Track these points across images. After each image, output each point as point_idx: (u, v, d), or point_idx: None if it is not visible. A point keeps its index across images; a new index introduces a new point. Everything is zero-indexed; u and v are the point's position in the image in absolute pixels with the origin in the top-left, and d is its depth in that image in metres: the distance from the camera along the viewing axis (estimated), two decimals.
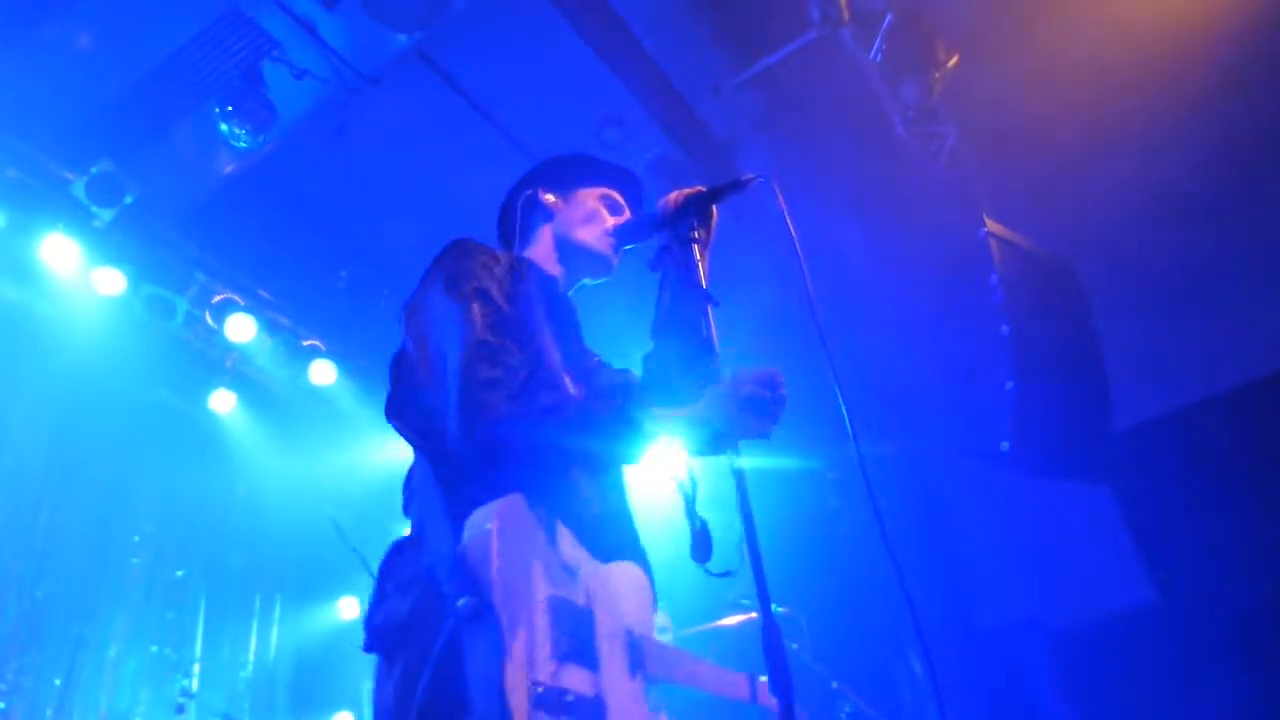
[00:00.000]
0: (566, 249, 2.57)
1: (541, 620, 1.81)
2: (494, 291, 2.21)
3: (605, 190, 2.66)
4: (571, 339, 2.39)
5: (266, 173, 5.71)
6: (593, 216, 2.58)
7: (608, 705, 1.88)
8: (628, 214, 2.64)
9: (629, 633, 2.04)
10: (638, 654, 2.03)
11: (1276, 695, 4.80)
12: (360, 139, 5.68)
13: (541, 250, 2.57)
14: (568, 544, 1.98)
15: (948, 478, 5.95)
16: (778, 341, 5.59)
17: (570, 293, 2.58)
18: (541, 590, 1.84)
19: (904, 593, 1.86)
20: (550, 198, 2.63)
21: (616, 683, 1.94)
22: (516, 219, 2.62)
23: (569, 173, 2.70)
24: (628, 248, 2.29)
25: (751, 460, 1.86)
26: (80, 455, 6.02)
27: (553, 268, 2.54)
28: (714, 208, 2.22)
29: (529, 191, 2.65)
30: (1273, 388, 5.32)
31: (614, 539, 2.19)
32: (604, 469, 2.25)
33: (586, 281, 2.61)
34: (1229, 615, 5.12)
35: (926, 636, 2.26)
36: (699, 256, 2.09)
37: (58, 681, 5.45)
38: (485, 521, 1.82)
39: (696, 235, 2.11)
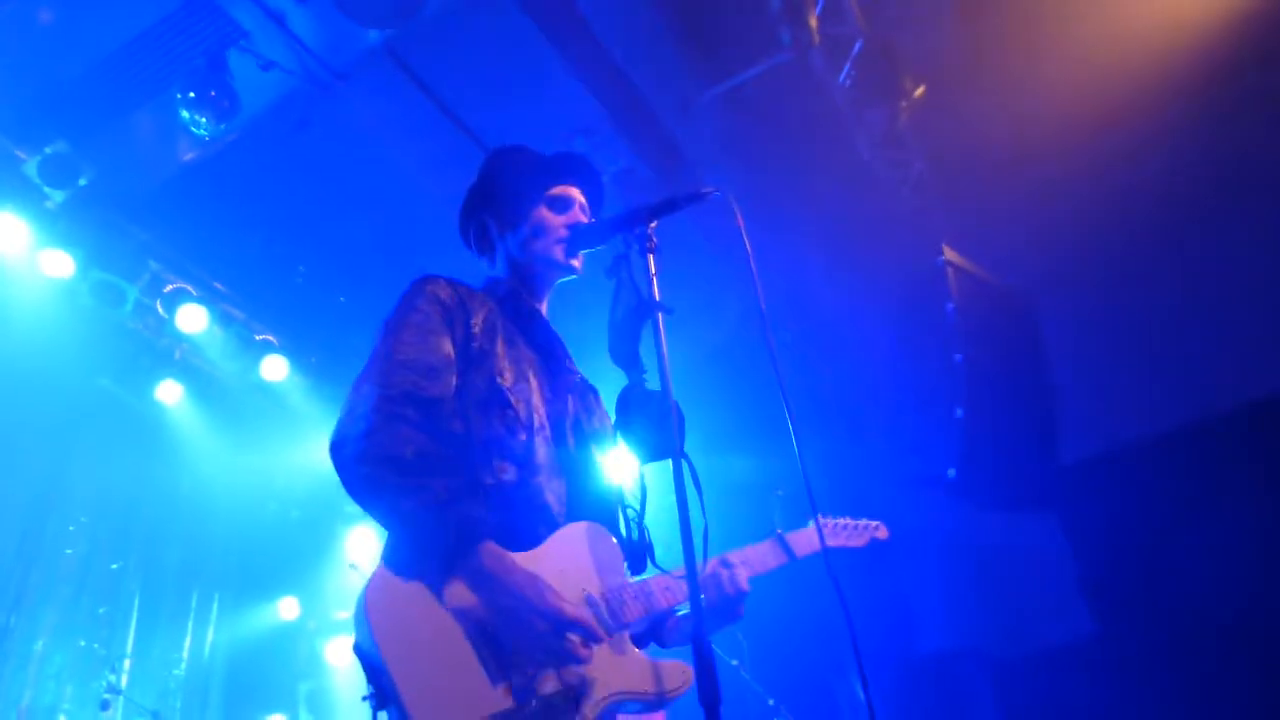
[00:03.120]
0: (522, 265, 2.65)
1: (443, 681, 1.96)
2: (411, 338, 2.32)
3: (550, 192, 2.67)
4: (524, 361, 2.48)
5: (227, 163, 5.63)
6: (539, 229, 2.62)
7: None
8: (578, 201, 2.66)
9: (589, 598, 2.18)
10: (600, 611, 2.17)
11: None
12: (324, 134, 5.61)
13: (505, 270, 2.67)
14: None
15: (895, 502, 5.99)
16: (734, 356, 5.61)
17: (546, 299, 2.68)
18: (438, 652, 1.98)
19: (845, 613, 1.86)
20: (493, 221, 2.71)
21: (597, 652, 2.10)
22: (476, 247, 2.75)
23: (510, 188, 2.71)
24: (585, 252, 2.29)
25: (699, 471, 1.86)
26: (16, 440, 5.87)
27: (519, 286, 2.63)
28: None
29: (475, 221, 2.74)
30: (1218, 428, 5.42)
31: (540, 517, 2.28)
32: (519, 456, 2.32)
33: (560, 281, 2.68)
34: (1169, 648, 5.19)
35: (863, 658, 2.27)
36: (653, 265, 2.09)
37: None
38: (362, 611, 1.98)
39: (652, 243, 2.11)
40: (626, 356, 2.06)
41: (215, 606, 7.06)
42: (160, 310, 6.11)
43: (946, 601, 5.91)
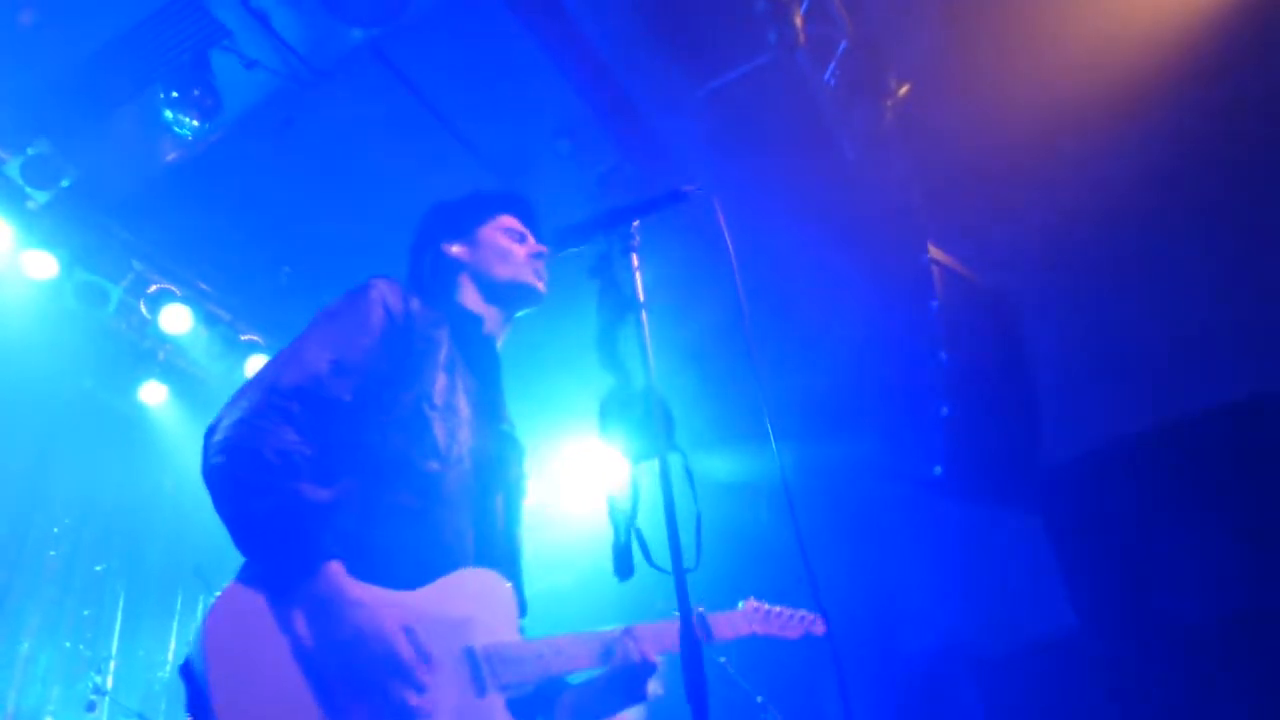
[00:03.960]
0: (492, 290, 2.62)
1: None
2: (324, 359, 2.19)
3: (502, 222, 2.70)
4: (462, 390, 2.42)
5: (210, 163, 5.61)
6: (504, 252, 2.63)
7: None
8: (530, 238, 2.69)
9: (468, 651, 2.04)
10: (480, 668, 2.03)
11: None
12: (309, 134, 5.60)
13: (469, 298, 2.62)
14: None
15: (880, 499, 6.01)
16: (717, 355, 5.62)
17: (504, 332, 2.65)
18: (268, 681, 1.81)
19: (819, 606, 1.87)
20: (456, 248, 2.66)
21: (446, 710, 1.93)
22: (427, 279, 2.67)
23: (463, 216, 2.72)
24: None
25: (688, 468, 1.87)
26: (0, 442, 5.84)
27: (483, 311, 2.60)
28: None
29: (431, 249, 2.68)
30: (1203, 427, 5.46)
31: (437, 552, 2.16)
32: (422, 485, 2.21)
33: (520, 314, 2.68)
34: (1153, 647, 5.22)
35: (841, 656, 2.28)
36: (636, 264, 2.10)
37: None
38: (202, 624, 1.82)
39: (635, 242, 2.11)
40: (608, 356, 2.06)
41: (200, 608, 7.04)
42: (144, 311, 6.09)
43: (932, 599, 5.93)
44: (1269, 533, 4.97)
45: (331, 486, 2.04)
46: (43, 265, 5.58)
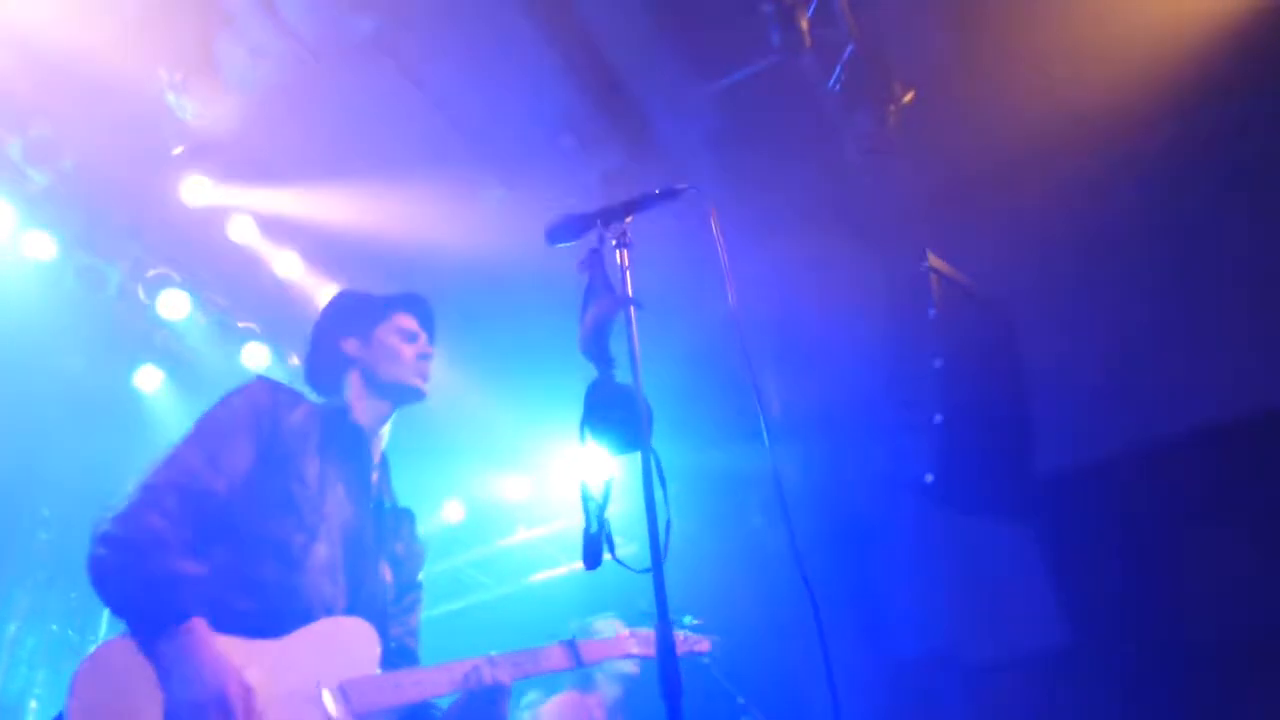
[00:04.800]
0: (378, 388, 2.91)
1: None
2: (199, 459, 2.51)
3: (399, 321, 2.99)
4: (332, 474, 2.71)
5: (212, 147, 5.60)
6: (394, 354, 2.92)
7: None
8: (423, 337, 3.00)
9: (320, 686, 2.31)
10: (335, 701, 2.31)
11: None
12: (312, 123, 5.60)
13: (354, 391, 2.90)
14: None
15: (873, 506, 6.01)
16: (711, 357, 5.63)
17: (386, 423, 2.94)
18: None
19: (814, 610, 1.87)
20: (350, 345, 2.94)
21: None
22: (322, 369, 2.98)
23: (361, 315, 3.01)
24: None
25: (670, 466, 1.87)
26: None
27: (368, 406, 2.89)
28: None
29: (328, 343, 2.98)
30: (1197, 440, 5.46)
31: (301, 613, 2.46)
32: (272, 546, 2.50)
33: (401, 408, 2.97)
34: (1143, 660, 5.23)
35: (836, 661, 2.28)
36: (625, 260, 2.11)
37: None
38: (71, 679, 2.10)
39: (627, 238, 2.13)
40: (596, 350, 2.08)
41: None
42: (142, 295, 6.07)
43: (921, 606, 5.94)
44: (1263, 546, 4.98)
45: (205, 561, 2.36)
46: (42, 246, 5.57)
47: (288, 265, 6.36)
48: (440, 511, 8.05)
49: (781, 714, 4.65)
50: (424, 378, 2.95)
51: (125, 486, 2.43)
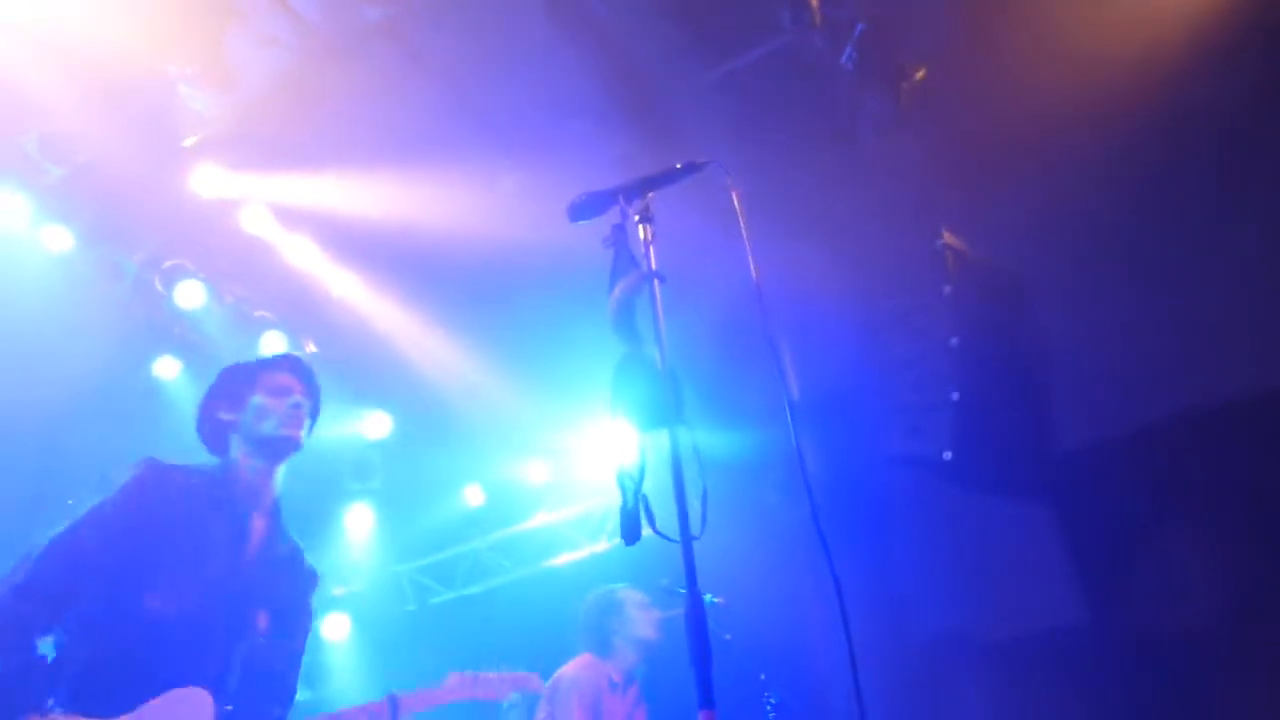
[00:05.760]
0: (257, 446, 3.20)
1: None
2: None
3: (270, 381, 3.29)
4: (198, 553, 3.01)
5: (225, 138, 5.62)
6: (264, 412, 3.21)
7: None
8: (297, 388, 3.29)
9: None
10: None
11: None
12: (324, 111, 5.61)
13: (238, 452, 3.23)
14: None
15: (888, 484, 6.01)
16: (731, 335, 5.63)
17: (273, 477, 3.24)
18: None
19: (834, 581, 1.89)
20: (226, 414, 3.27)
21: None
22: (209, 438, 3.31)
23: (236, 382, 3.33)
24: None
25: (695, 449, 1.88)
26: (15, 414, 5.89)
27: (250, 464, 3.20)
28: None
29: (209, 416, 3.31)
30: (1217, 419, 5.44)
31: (153, 684, 2.75)
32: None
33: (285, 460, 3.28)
34: (1155, 644, 5.22)
35: (853, 638, 2.30)
36: (649, 234, 2.12)
37: None
38: None
39: (649, 214, 2.14)
40: (625, 325, 2.09)
41: None
42: (159, 286, 6.12)
43: (937, 584, 5.95)
44: None
45: (61, 645, 2.73)
46: (59, 239, 5.62)
47: (302, 253, 6.39)
48: (460, 495, 8.11)
49: (800, 689, 4.70)
50: (294, 428, 3.22)
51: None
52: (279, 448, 3.22)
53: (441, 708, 3.42)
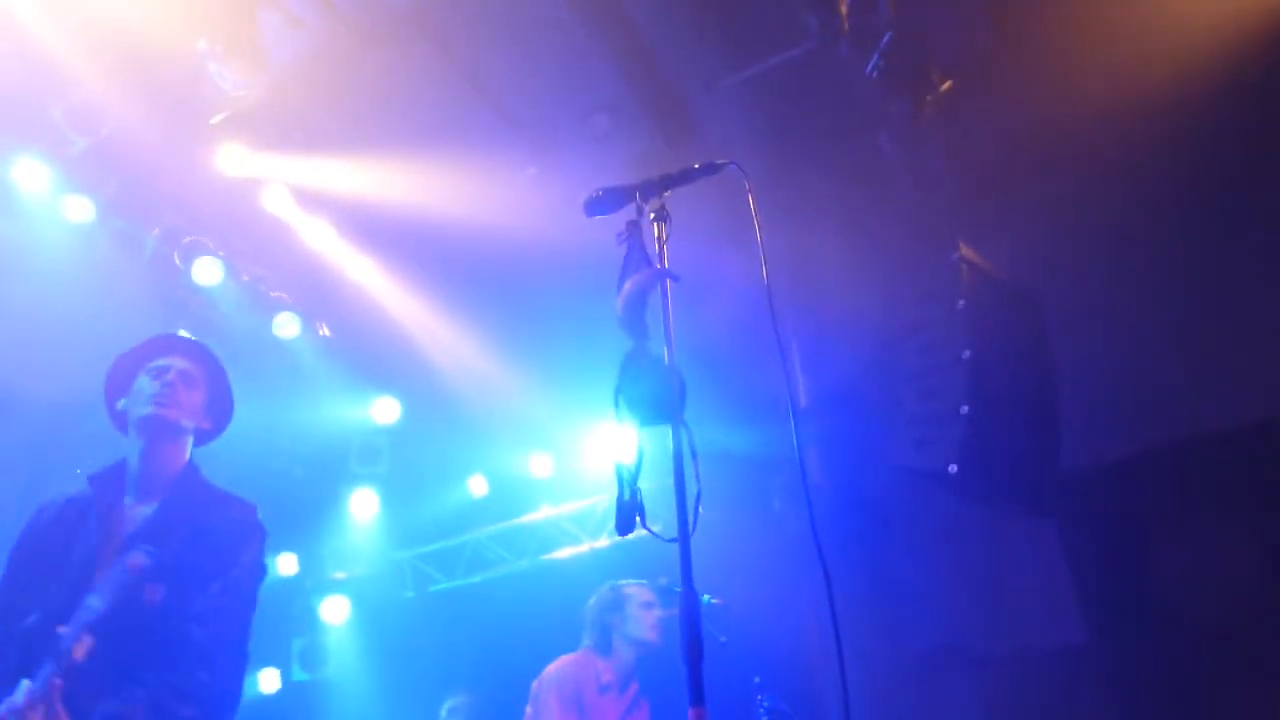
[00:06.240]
0: (136, 429, 3.23)
1: None
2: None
3: (153, 362, 3.32)
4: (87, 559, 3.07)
5: (250, 118, 5.65)
6: (139, 395, 3.24)
7: None
8: (175, 367, 3.29)
9: None
10: None
11: None
12: (349, 96, 5.63)
13: (131, 439, 3.26)
14: None
15: (895, 495, 6.00)
16: (742, 339, 5.64)
17: (164, 453, 3.26)
18: None
19: (829, 595, 1.89)
20: (120, 403, 3.34)
21: None
22: (119, 429, 3.35)
23: (124, 371, 3.38)
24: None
25: (694, 448, 1.89)
26: (25, 385, 5.93)
27: (135, 446, 3.22)
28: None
29: (110, 407, 3.39)
30: (1224, 440, 5.41)
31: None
32: None
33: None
34: (1161, 660, 5.20)
35: (849, 648, 2.30)
36: (663, 233, 2.12)
37: None
38: None
39: (664, 212, 2.14)
40: (633, 321, 2.10)
41: None
42: (177, 261, 6.15)
43: (939, 596, 5.94)
44: None
45: None
46: (81, 209, 5.66)
47: (320, 236, 6.42)
48: (464, 485, 8.13)
49: (795, 695, 4.70)
50: (164, 405, 3.20)
51: None
52: (149, 426, 3.20)
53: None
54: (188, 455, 3.33)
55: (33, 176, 5.45)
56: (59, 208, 5.60)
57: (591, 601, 5.18)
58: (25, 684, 2.72)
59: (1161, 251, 5.56)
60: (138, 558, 2.91)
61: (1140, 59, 5.26)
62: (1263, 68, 5.14)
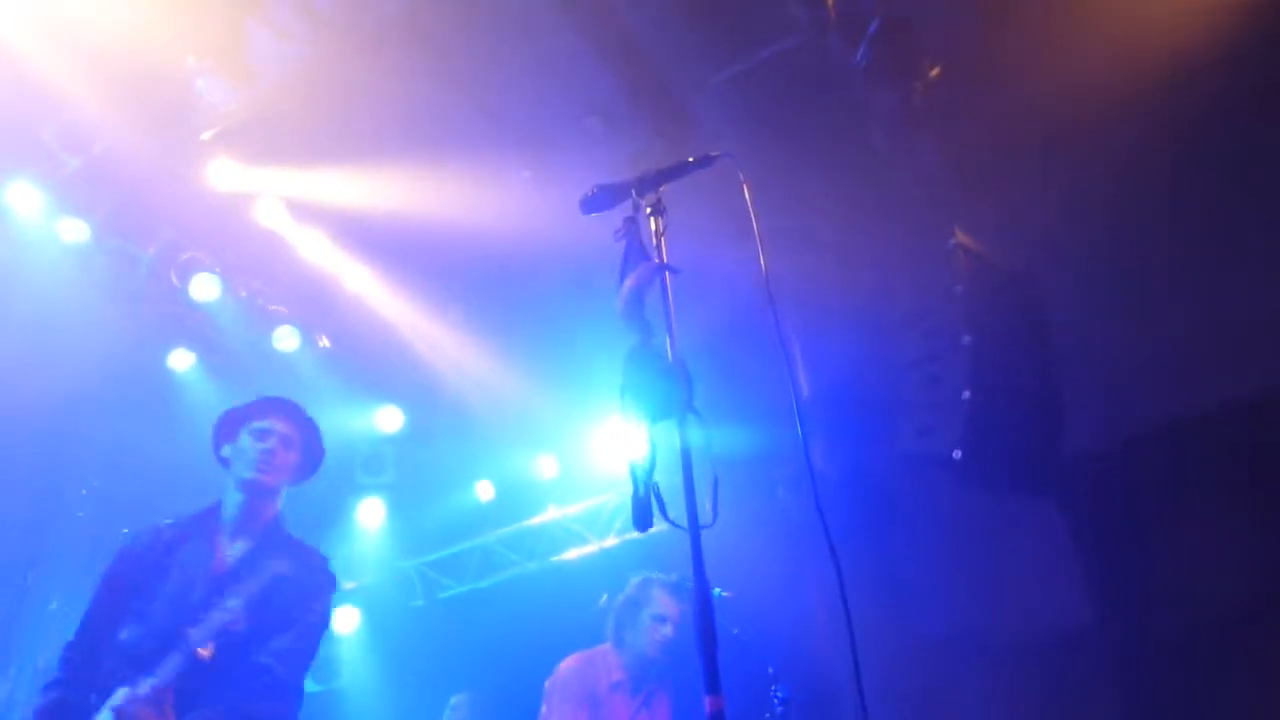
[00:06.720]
0: (236, 485, 3.69)
1: None
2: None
3: (257, 422, 3.76)
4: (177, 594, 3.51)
5: (241, 131, 5.65)
6: (243, 454, 3.70)
7: None
8: (276, 433, 3.74)
9: None
10: None
11: None
12: (339, 106, 5.63)
13: (229, 487, 3.71)
14: None
15: (898, 483, 6.00)
16: (741, 332, 5.64)
17: (259, 510, 3.71)
18: None
19: (839, 581, 1.90)
20: (225, 451, 3.79)
21: None
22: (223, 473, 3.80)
23: (231, 424, 3.82)
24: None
25: (705, 439, 1.89)
26: (29, 404, 5.94)
27: (232, 499, 3.70)
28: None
29: (216, 453, 3.82)
30: (1231, 420, 5.41)
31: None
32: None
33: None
34: (1165, 645, 5.20)
35: (858, 636, 2.30)
36: (660, 227, 2.13)
37: None
38: None
39: (661, 206, 2.14)
40: (634, 316, 2.10)
41: None
42: (174, 278, 6.16)
43: (945, 584, 5.94)
44: None
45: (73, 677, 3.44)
46: (75, 230, 5.66)
47: (317, 248, 6.42)
48: (471, 490, 8.14)
49: (808, 684, 4.70)
50: (265, 471, 3.67)
51: None
52: (250, 488, 3.67)
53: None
54: (278, 507, 3.79)
55: (26, 200, 5.45)
56: (54, 230, 5.60)
57: (620, 593, 5.13)
58: (125, 690, 3.20)
59: (1159, 234, 5.56)
60: (233, 601, 3.37)
61: (1135, 34, 5.26)
62: (1254, 46, 5.13)
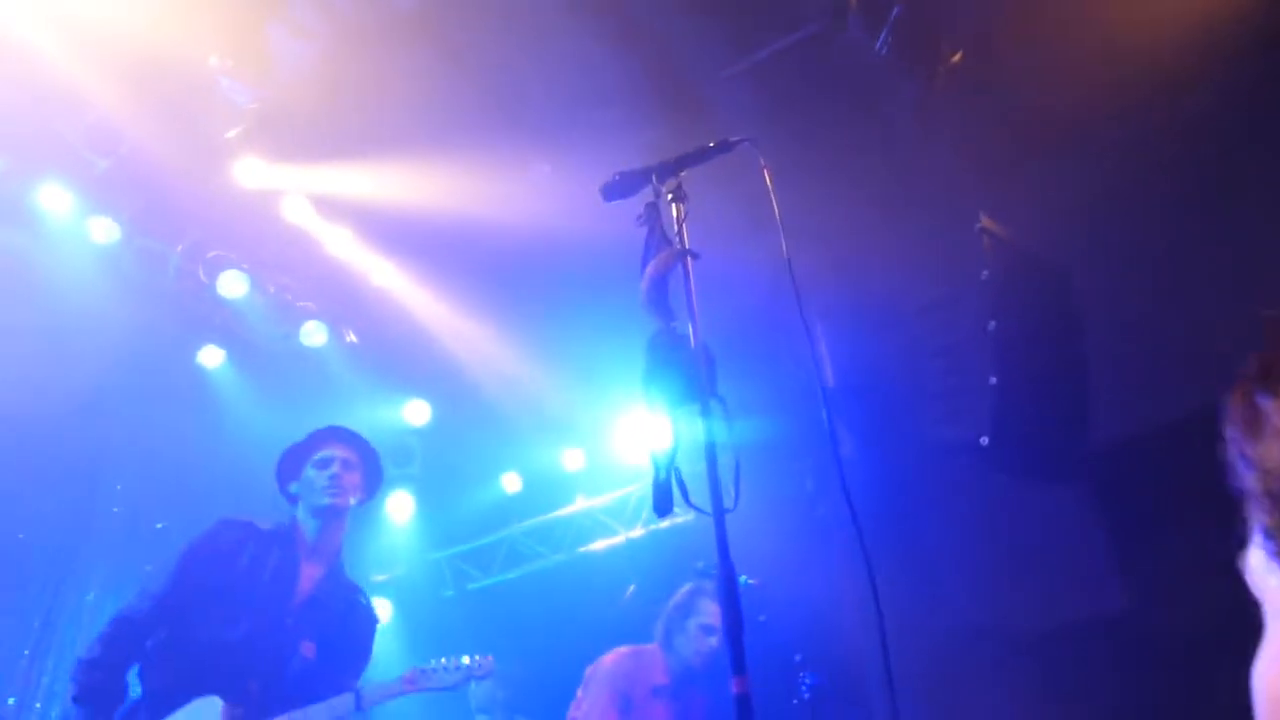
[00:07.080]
0: (311, 512, 4.00)
1: None
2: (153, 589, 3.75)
3: (316, 455, 4.06)
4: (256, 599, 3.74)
5: (265, 129, 5.70)
6: (312, 484, 4.00)
7: None
8: (337, 458, 4.05)
9: None
10: None
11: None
12: (360, 102, 5.67)
13: (301, 515, 4.02)
14: None
15: (924, 471, 5.98)
16: (766, 319, 5.63)
17: (330, 534, 4.02)
18: None
19: (868, 571, 1.90)
20: (292, 487, 4.10)
21: None
22: (287, 505, 4.10)
23: (293, 462, 4.12)
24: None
25: (728, 425, 1.90)
26: (66, 402, 6.03)
27: (308, 525, 3.99)
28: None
29: (282, 489, 4.11)
30: None
31: (177, 701, 3.50)
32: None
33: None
34: (1195, 636, 5.15)
35: (887, 623, 2.31)
36: (681, 213, 2.13)
37: (36, 623, 5.51)
38: None
39: (681, 192, 2.15)
40: (657, 303, 2.11)
41: None
42: (202, 276, 6.22)
43: (972, 570, 5.91)
44: None
45: (141, 674, 3.60)
46: (105, 230, 5.74)
47: (342, 243, 6.47)
48: (498, 482, 8.18)
49: (835, 671, 4.70)
50: (335, 495, 3.98)
51: None
52: (326, 513, 3.98)
53: (413, 697, 4.01)
54: (346, 526, 4.10)
55: (57, 200, 5.53)
56: (84, 229, 5.68)
57: (671, 598, 5.15)
58: (217, 700, 3.48)
59: (1186, 218, 5.49)
60: (309, 638, 3.72)
61: (1158, 24, 5.19)
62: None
